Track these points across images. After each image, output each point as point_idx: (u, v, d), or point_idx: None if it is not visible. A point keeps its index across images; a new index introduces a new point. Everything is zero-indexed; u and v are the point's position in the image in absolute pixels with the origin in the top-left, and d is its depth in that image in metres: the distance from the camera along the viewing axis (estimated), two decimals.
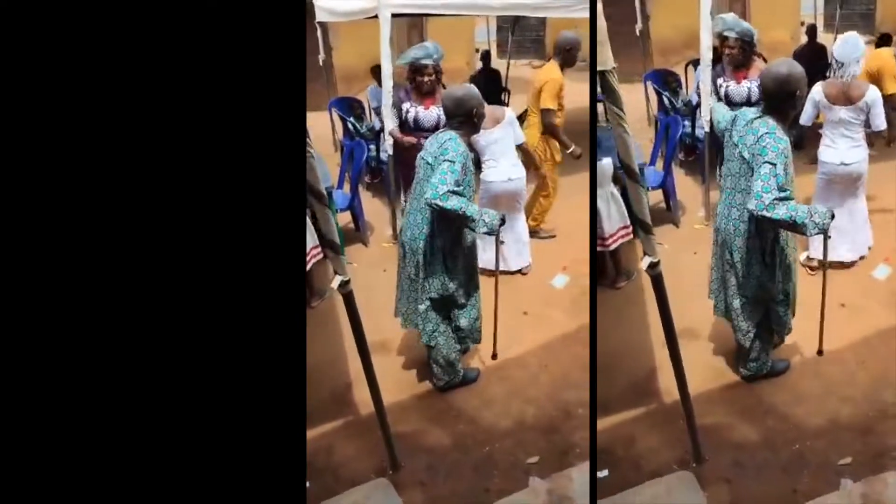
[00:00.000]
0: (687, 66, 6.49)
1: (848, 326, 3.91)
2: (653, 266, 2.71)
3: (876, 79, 4.79)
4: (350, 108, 6.68)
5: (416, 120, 4.78)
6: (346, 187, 5.41)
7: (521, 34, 9.30)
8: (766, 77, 3.26)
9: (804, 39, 7.69)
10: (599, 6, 2.37)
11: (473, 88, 3.57)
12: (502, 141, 4.55)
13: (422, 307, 3.56)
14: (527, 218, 4.89)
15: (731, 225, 3.37)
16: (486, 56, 8.18)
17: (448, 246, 3.49)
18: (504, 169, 4.54)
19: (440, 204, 3.24)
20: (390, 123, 4.96)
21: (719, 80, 4.91)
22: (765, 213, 3.04)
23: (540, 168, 4.91)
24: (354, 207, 5.26)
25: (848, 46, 4.21)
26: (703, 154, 5.11)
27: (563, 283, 4.55)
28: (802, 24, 8.75)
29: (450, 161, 3.31)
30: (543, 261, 4.77)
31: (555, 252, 4.86)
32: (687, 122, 5.77)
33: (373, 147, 5.80)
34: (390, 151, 5.04)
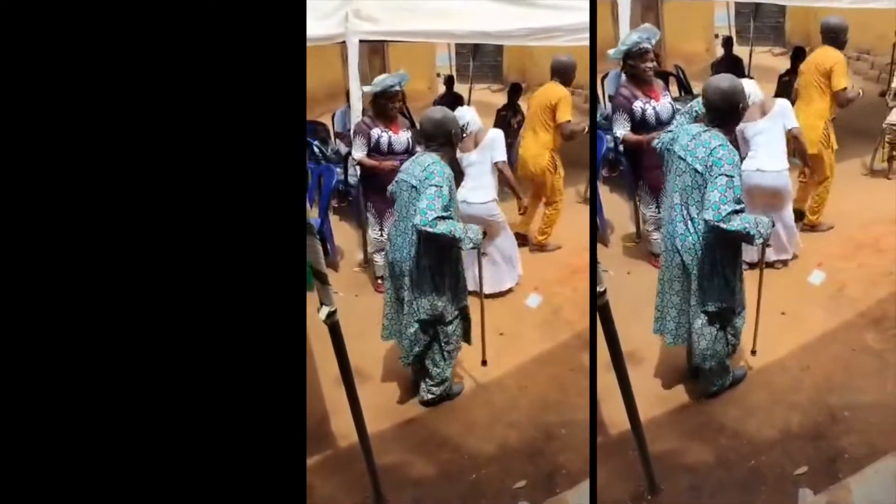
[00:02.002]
0: (603, 79, 6.44)
1: (789, 334, 3.91)
2: (601, 295, 2.60)
3: (828, 75, 4.81)
4: (314, 131, 6.67)
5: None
6: (315, 211, 5.37)
7: (480, 60, 9.38)
8: (711, 92, 3.31)
9: (720, 52, 7.83)
10: None
11: (450, 111, 3.65)
12: (479, 164, 4.52)
13: (411, 330, 3.55)
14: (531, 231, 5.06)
15: (688, 240, 3.31)
16: (449, 80, 8.28)
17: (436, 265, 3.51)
18: (481, 191, 4.49)
19: (430, 230, 3.29)
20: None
21: (635, 105, 4.48)
22: (721, 224, 3.09)
23: (518, 191, 4.78)
24: (324, 232, 5.21)
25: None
26: (628, 170, 5.04)
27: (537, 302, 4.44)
28: (717, 36, 8.93)
29: (436, 185, 3.34)
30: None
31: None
32: (608, 138, 5.69)
33: (340, 171, 5.72)
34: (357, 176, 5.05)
